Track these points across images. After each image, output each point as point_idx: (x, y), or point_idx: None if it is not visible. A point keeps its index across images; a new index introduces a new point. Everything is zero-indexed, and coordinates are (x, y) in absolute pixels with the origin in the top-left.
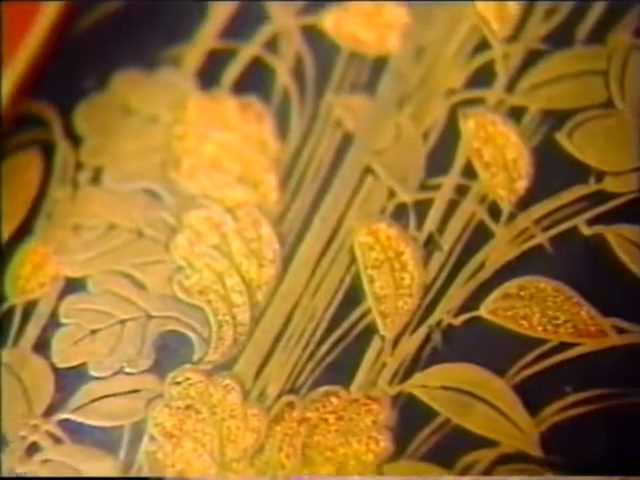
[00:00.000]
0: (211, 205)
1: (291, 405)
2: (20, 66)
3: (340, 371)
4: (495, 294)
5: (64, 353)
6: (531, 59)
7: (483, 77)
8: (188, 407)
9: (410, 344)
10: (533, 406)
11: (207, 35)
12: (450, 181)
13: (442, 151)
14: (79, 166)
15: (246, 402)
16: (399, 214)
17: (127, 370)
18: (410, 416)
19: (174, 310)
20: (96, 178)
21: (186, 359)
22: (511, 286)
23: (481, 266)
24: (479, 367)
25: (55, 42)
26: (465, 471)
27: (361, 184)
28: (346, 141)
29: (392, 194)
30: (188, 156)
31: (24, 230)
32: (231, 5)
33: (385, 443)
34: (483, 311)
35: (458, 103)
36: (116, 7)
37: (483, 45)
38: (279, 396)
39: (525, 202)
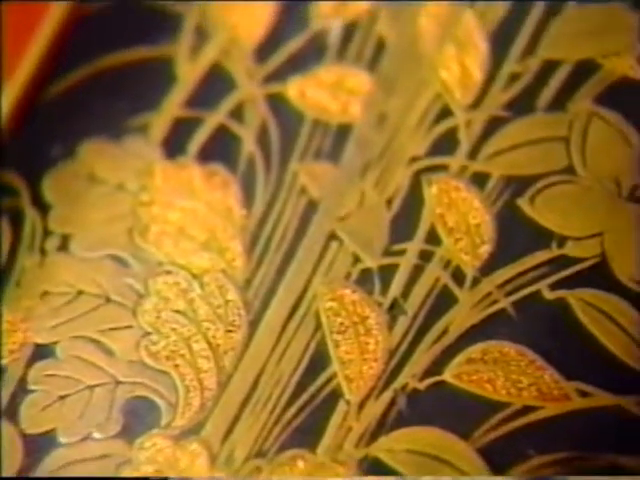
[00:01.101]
0: (178, 271)
1: (258, 469)
2: (20, 81)
3: (306, 435)
4: (459, 358)
5: (33, 419)
6: (493, 126)
7: (446, 144)
8: (156, 472)
9: (375, 408)
10: (497, 469)
11: (173, 104)
12: (414, 247)
13: (406, 217)
14: (47, 234)
15: (214, 466)
16: (364, 279)
17: (96, 436)
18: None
19: (142, 376)
20: (64, 245)
21: (154, 424)
22: (475, 350)
23: (445, 330)
24: (444, 430)
25: (55, 56)
26: None
27: (326, 250)
28: (311, 208)
29: (357, 260)
30: (155, 223)
31: None
32: (197, 73)
33: None
34: (447, 375)
35: (421, 170)
36: (83, 76)
37: (446, 112)
38: (246, 460)
39: (488, 267)
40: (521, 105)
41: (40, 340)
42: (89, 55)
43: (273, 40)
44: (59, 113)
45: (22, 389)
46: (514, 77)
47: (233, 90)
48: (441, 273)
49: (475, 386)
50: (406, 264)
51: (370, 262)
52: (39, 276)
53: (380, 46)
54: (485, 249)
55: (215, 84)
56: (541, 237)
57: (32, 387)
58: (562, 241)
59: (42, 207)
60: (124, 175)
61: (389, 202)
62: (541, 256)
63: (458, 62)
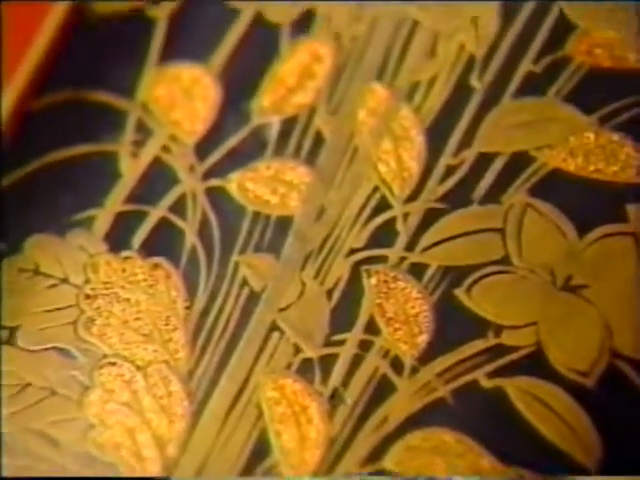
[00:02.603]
0: (122, 363)
1: None
2: (20, 83)
3: None
4: (399, 445)
5: None
6: (430, 218)
7: (384, 236)
8: None
9: None
10: None
11: (117, 199)
12: (354, 337)
13: (346, 307)
14: None
15: None
16: (305, 369)
17: None
18: None
19: (88, 466)
20: (11, 338)
21: None
22: (414, 438)
23: (385, 419)
24: None
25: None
26: None
27: (267, 341)
28: (252, 299)
29: (298, 350)
30: (99, 316)
31: None
32: (140, 169)
33: None
34: (388, 462)
35: (360, 261)
36: (29, 172)
37: (384, 205)
38: None
39: (427, 356)
40: (457, 197)
41: None
42: (34, 151)
43: (214, 136)
44: (5, 209)
45: None
46: (450, 170)
47: (175, 185)
48: (380, 362)
49: (415, 473)
50: (346, 354)
51: (311, 352)
52: None
53: (318, 140)
54: (423, 338)
55: (157, 179)
56: (478, 326)
57: None
58: (498, 330)
59: None
60: (69, 269)
61: (329, 293)
62: (478, 345)
63: (395, 156)
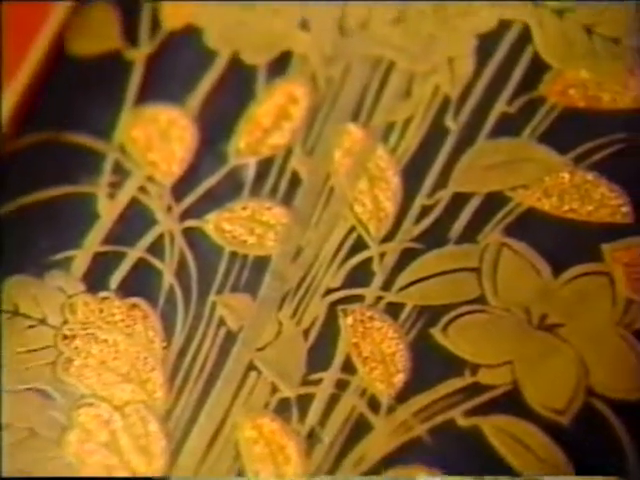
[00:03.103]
0: (100, 404)
1: None
2: (20, 88)
3: None
4: None
5: None
6: (406, 258)
7: (361, 276)
8: None
9: None
10: None
11: (94, 240)
12: (330, 376)
13: (322, 347)
14: None
15: None
16: (282, 408)
17: None
18: None
19: None
20: None
21: None
22: (391, 476)
23: (362, 458)
24: None
25: (54, 62)
26: None
27: (245, 380)
28: (230, 339)
29: (275, 389)
30: (77, 357)
31: None
32: (117, 210)
33: None
34: None
35: (337, 301)
36: (7, 214)
37: (360, 245)
38: None
39: (403, 395)
40: (433, 237)
41: None
42: (12, 193)
43: (191, 177)
44: None
45: None
46: (426, 210)
47: (152, 225)
48: (357, 401)
49: None
50: (323, 393)
51: (288, 392)
52: None
53: (295, 181)
54: (400, 378)
55: (135, 220)
56: (454, 365)
57: None
58: (475, 369)
59: None
60: (47, 310)
61: (306, 333)
62: (454, 384)
63: (371, 196)
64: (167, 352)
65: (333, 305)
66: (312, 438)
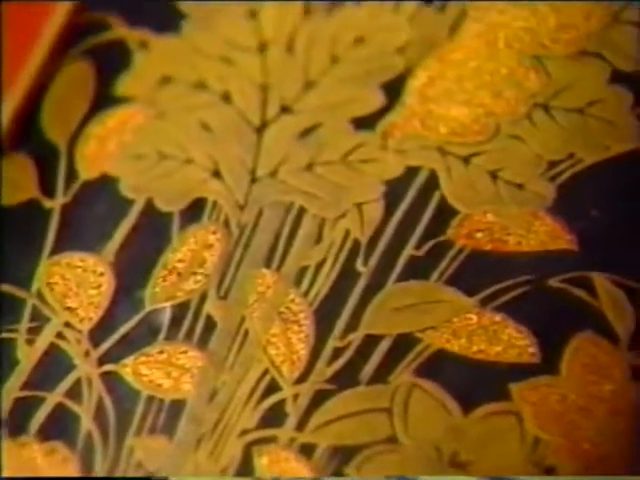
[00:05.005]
0: None
1: None
2: (20, 92)
3: None
4: None
5: None
6: (319, 399)
7: (275, 417)
8: None
9: None
10: None
11: (14, 385)
12: None
13: None
14: None
15: None
16: None
17: None
18: None
19: None
20: None
21: None
22: None
23: None
24: None
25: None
26: None
27: None
28: None
29: None
30: None
31: None
32: (36, 355)
33: None
34: None
35: (252, 442)
36: None
37: (274, 387)
38: None
39: None
40: (345, 378)
41: None
42: None
43: (108, 322)
44: None
45: None
46: (338, 352)
47: (71, 370)
48: None
49: None
50: None
51: None
52: None
53: (209, 325)
54: None
55: (53, 365)
56: None
57: None
58: None
59: None
60: None
61: (223, 472)
62: None
63: (284, 339)
64: None
65: (249, 445)
66: None
